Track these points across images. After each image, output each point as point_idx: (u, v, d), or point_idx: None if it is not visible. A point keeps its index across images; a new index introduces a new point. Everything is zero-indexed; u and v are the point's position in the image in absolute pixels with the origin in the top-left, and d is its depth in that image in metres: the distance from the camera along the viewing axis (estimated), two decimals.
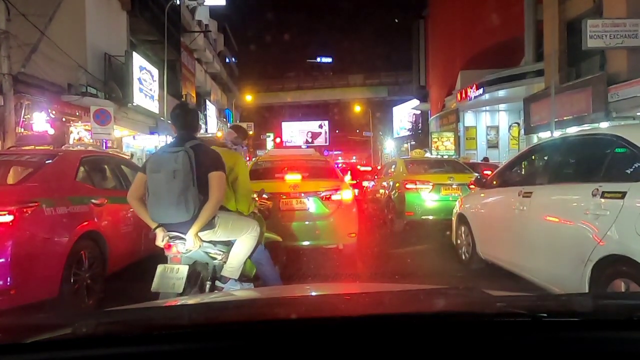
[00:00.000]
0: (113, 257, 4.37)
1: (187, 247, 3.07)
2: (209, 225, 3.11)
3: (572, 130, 12.17)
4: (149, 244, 5.28)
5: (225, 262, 3.30)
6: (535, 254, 3.97)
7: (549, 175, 4.24)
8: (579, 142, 4.20)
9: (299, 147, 36.97)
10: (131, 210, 4.95)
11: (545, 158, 4.78)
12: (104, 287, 4.18)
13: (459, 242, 5.84)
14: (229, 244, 3.34)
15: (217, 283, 3.32)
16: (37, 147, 7.95)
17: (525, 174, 5.58)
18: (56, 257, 3.58)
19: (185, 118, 3.25)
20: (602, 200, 3.07)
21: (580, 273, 3.14)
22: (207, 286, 3.30)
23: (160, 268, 3.11)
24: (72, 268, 3.71)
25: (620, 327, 1.09)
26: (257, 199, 4.16)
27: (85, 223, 3.99)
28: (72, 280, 3.71)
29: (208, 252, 3.26)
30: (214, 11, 31.10)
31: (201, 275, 3.32)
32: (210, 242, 3.23)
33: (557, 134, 10.92)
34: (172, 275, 3.09)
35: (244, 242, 3.33)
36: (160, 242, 3.13)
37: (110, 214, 4.48)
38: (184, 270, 3.08)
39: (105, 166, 5.10)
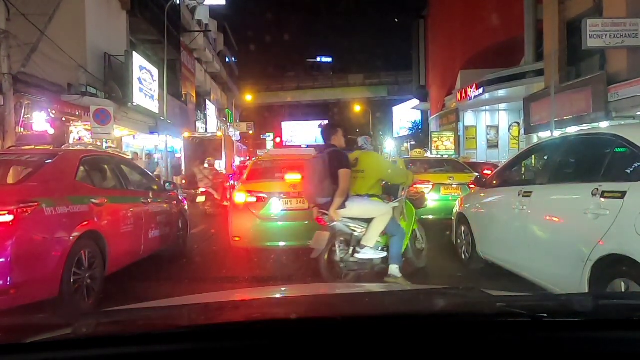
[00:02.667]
0: (113, 257, 4.36)
1: (328, 219, 4.48)
2: (342, 205, 4.45)
3: (572, 130, 12.17)
4: (149, 244, 5.31)
5: (364, 234, 4.56)
6: (535, 254, 3.96)
7: (549, 174, 4.23)
8: (579, 142, 4.19)
9: (299, 147, 36.96)
10: (131, 210, 4.98)
11: (545, 158, 4.77)
12: (104, 287, 4.17)
13: (459, 242, 5.83)
14: (367, 221, 4.57)
15: (357, 248, 4.56)
16: (37, 147, 7.95)
17: (525, 174, 5.58)
18: (56, 257, 3.58)
19: (323, 134, 4.76)
20: (602, 200, 3.07)
21: (580, 273, 3.14)
22: (351, 250, 4.60)
23: (317, 233, 4.64)
24: (72, 268, 3.71)
25: (620, 327, 1.09)
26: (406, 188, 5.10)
27: (85, 223, 3.98)
28: (72, 280, 3.69)
29: (348, 225, 4.58)
30: (214, 11, 31.09)
31: (347, 241, 4.64)
32: (349, 218, 4.54)
33: (557, 133, 10.91)
34: (321, 238, 4.56)
35: (377, 220, 4.56)
36: (314, 215, 4.68)
37: (110, 214, 4.48)
38: (326, 235, 4.55)
39: (105, 166, 5.10)
